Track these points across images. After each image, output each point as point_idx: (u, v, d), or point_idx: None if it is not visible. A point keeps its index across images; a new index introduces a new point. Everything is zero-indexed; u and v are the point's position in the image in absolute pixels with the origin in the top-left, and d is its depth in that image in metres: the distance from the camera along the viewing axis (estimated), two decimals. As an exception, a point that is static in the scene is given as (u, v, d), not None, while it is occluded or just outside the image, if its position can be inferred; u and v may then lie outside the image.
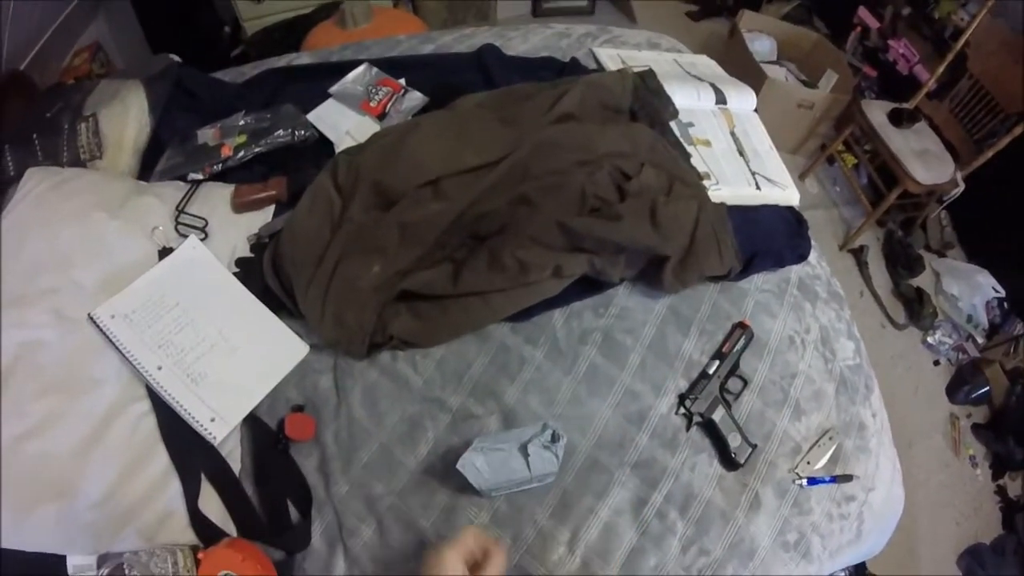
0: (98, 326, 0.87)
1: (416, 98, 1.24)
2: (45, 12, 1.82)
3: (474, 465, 0.80)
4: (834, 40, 2.71)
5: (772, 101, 2.32)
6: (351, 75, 1.27)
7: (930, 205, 2.35)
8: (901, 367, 2.15)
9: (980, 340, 2.27)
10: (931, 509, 1.86)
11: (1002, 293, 2.29)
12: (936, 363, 2.20)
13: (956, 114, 2.20)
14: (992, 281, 2.31)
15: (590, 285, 1.04)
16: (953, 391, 2.13)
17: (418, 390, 0.95)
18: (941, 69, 2.16)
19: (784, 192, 1.27)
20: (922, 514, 1.84)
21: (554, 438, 0.82)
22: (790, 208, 1.27)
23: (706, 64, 1.55)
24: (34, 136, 1.09)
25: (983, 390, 2.11)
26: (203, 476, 0.84)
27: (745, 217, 1.17)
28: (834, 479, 0.99)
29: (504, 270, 0.94)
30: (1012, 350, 2.19)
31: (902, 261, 2.33)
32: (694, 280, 1.06)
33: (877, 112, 2.16)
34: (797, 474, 0.97)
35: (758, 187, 1.24)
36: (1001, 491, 1.97)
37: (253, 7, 2.01)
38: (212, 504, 0.83)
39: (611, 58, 1.43)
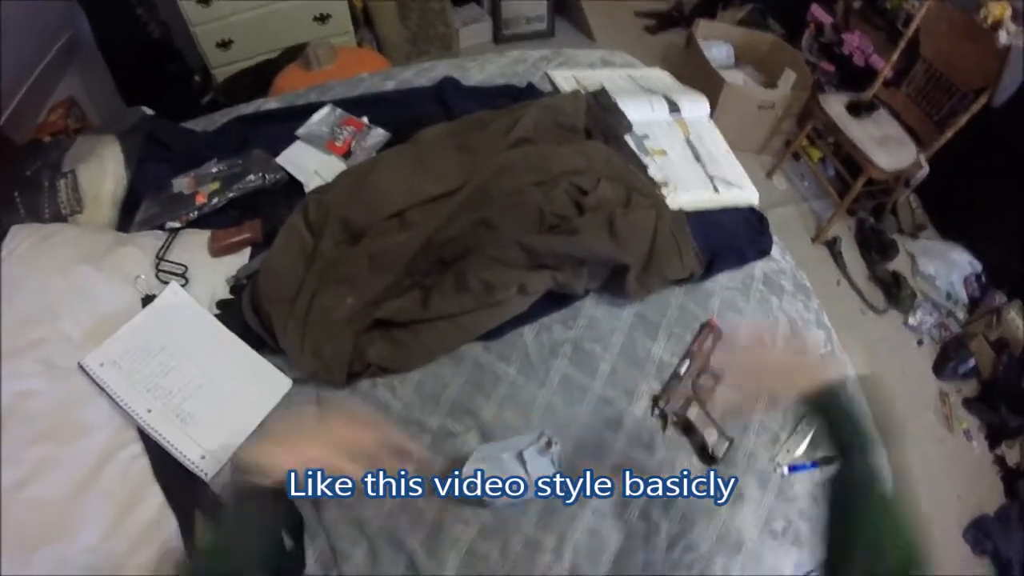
0: (88, 374, 0.89)
1: (379, 134, 1.28)
2: (20, 69, 1.84)
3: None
4: (790, 39, 2.75)
5: (733, 105, 2.35)
6: (316, 117, 1.31)
7: (898, 189, 2.37)
8: (885, 351, 2.15)
9: (961, 315, 2.26)
10: (931, 487, 1.84)
11: (979, 267, 2.30)
12: (920, 343, 2.19)
13: (914, 98, 2.23)
14: (968, 256, 2.32)
15: (557, 299, 1.07)
16: (940, 368, 2.12)
17: (398, 413, 0.98)
18: (895, 56, 2.20)
19: (743, 192, 1.31)
20: (922, 492, 1.83)
21: (548, 444, 0.85)
22: (750, 207, 1.31)
23: (659, 76, 1.60)
24: (15, 194, 1.12)
25: (969, 364, 2.10)
26: (197, 512, 0.85)
27: (704, 220, 1.21)
28: (815, 464, 1.00)
29: (471, 292, 0.98)
30: (994, 321, 2.17)
31: (876, 247, 2.34)
32: (657, 285, 1.09)
33: (835, 105, 2.20)
34: (778, 463, 0.99)
35: (716, 190, 1.28)
36: (1000, 460, 1.95)
37: (222, 55, 2.06)
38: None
39: (566, 79, 1.47)
